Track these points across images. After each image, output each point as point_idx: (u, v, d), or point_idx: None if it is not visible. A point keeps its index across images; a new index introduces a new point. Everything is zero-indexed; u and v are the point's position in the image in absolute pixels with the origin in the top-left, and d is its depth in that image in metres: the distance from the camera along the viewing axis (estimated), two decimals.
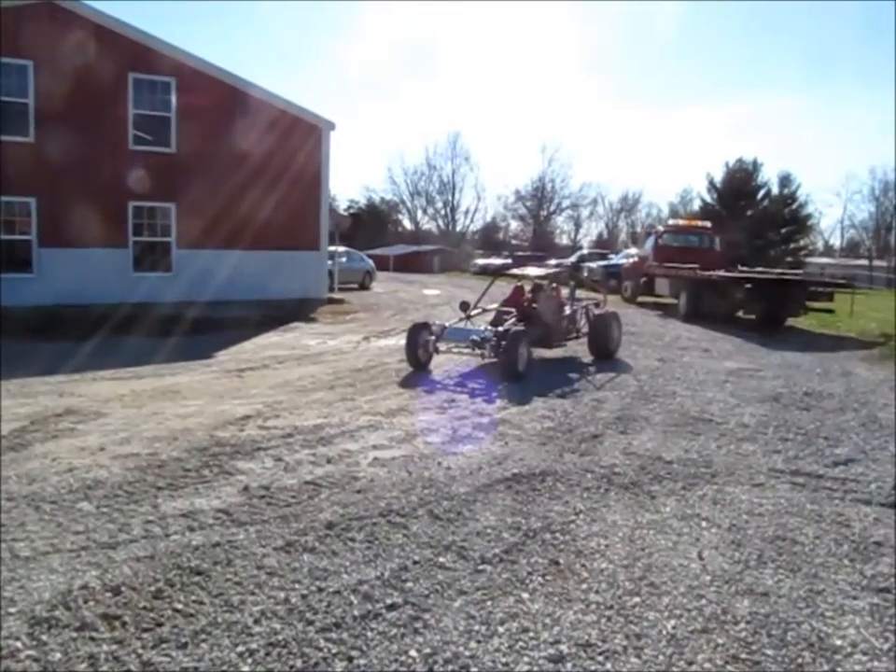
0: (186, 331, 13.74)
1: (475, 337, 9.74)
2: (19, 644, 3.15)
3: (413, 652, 3.18)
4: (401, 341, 11.27)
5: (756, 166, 53.74)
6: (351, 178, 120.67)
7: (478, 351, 9.81)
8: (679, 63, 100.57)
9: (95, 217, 17.09)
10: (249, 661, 3.08)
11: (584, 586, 3.85)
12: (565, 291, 12.49)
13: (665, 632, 3.42)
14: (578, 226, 77.41)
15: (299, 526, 4.49)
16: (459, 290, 26.76)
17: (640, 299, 22.85)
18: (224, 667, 3.03)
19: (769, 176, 55.06)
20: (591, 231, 78.93)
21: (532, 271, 13.78)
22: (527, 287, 12.07)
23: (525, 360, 9.66)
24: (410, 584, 3.78)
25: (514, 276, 13.07)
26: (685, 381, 9.76)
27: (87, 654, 3.09)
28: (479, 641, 3.29)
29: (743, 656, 3.24)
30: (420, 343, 9.95)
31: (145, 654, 3.10)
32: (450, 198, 74.53)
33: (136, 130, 17.92)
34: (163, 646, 3.17)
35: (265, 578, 3.81)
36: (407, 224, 76.68)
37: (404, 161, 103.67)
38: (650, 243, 23.52)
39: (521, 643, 3.28)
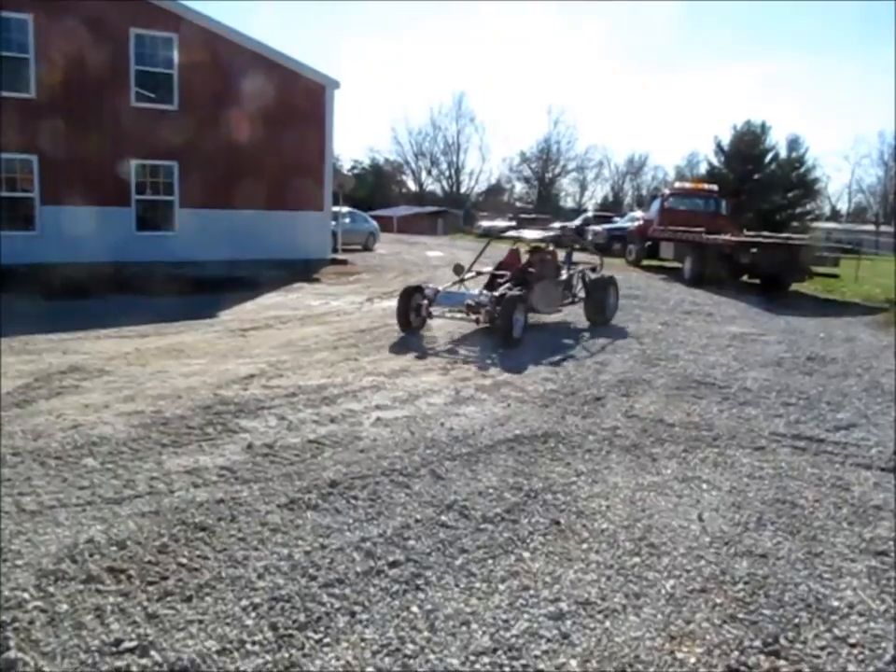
0: (189, 291, 13.73)
1: (470, 301, 9.39)
2: (26, 595, 3.20)
3: (414, 608, 3.22)
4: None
5: (764, 129, 52.99)
6: (355, 138, 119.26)
7: (472, 316, 9.43)
8: (687, 25, 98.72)
9: (98, 176, 16.99)
10: (253, 614, 3.12)
11: (585, 546, 3.89)
12: (561, 255, 11.97)
13: (664, 591, 3.46)
14: (583, 188, 76.91)
15: (302, 484, 4.52)
16: (463, 252, 26.64)
17: (645, 262, 22.72)
18: (228, 620, 3.07)
19: (777, 139, 54.46)
20: (596, 194, 78.47)
21: (529, 233, 12.87)
22: (523, 251, 11.64)
23: (522, 326, 9.31)
24: (412, 542, 3.82)
25: (511, 239, 12.19)
26: (688, 345, 9.75)
27: (93, 606, 3.14)
28: (480, 598, 3.33)
29: (741, 616, 3.28)
30: (412, 307, 9.65)
31: (150, 607, 3.15)
32: (454, 159, 73.83)
33: (138, 87, 17.70)
34: (168, 599, 3.21)
35: (269, 534, 3.85)
36: (411, 185, 76.12)
37: (408, 122, 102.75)
38: (655, 206, 23.32)
39: (521, 601, 3.32)
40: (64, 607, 3.13)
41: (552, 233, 12.40)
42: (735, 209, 31.23)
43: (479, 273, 11.15)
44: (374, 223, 30.00)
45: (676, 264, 20.13)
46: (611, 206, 64.57)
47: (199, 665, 2.79)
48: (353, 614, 3.16)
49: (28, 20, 16.18)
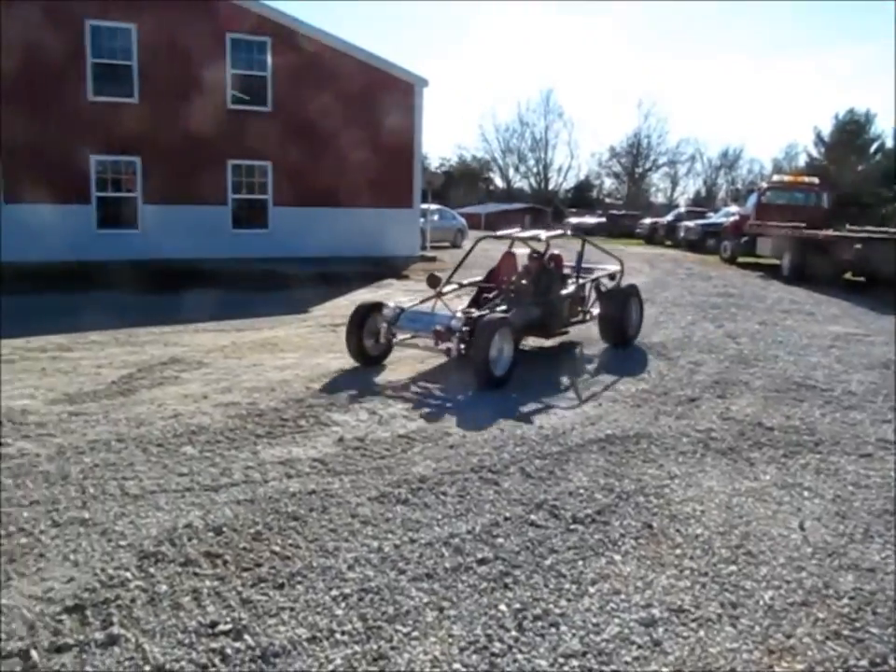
0: (282, 287, 14.11)
1: (438, 326, 7.06)
2: (128, 574, 3.34)
3: (502, 607, 3.19)
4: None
5: (869, 118, 50.57)
6: (443, 136, 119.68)
7: (442, 346, 7.14)
8: (785, 7, 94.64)
9: (196, 175, 17.65)
10: (343, 605, 3.16)
11: (678, 551, 3.77)
12: (569, 260, 9.49)
13: (762, 602, 3.31)
14: (674, 183, 74.64)
15: (392, 478, 4.56)
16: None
17: (740, 259, 21.96)
18: (318, 609, 3.12)
19: (883, 128, 51.75)
20: (688, 189, 76.05)
21: (527, 232, 10.03)
22: (521, 255, 9.26)
23: (508, 360, 6.93)
24: (501, 540, 3.80)
25: (503, 238, 9.61)
26: (788, 345, 9.35)
27: (191, 588, 3.25)
28: (569, 600, 3.27)
29: (846, 633, 3.11)
30: (368, 331, 7.51)
31: (244, 592, 3.23)
32: (542, 155, 72.95)
33: (234, 90, 18.30)
34: (261, 585, 3.29)
35: (359, 526, 3.90)
36: (499, 182, 75.80)
37: (496, 119, 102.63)
38: (751, 200, 22.58)
39: (612, 605, 3.25)
40: (164, 588, 3.25)
41: (556, 232, 9.94)
42: (838, 203, 29.85)
43: (461, 286, 9.06)
44: (462, 220, 30.14)
45: (774, 261, 19.40)
46: (704, 201, 62.63)
47: (290, 651, 2.84)
48: (441, 609, 3.16)
49: (132, 28, 17.00)
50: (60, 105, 16.49)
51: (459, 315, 7.34)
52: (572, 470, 4.81)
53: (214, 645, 2.86)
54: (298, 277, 15.10)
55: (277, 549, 3.62)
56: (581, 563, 3.60)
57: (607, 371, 7.81)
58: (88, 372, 7.13)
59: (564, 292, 8.57)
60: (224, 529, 3.80)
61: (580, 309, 9.01)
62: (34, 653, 2.76)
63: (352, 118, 19.01)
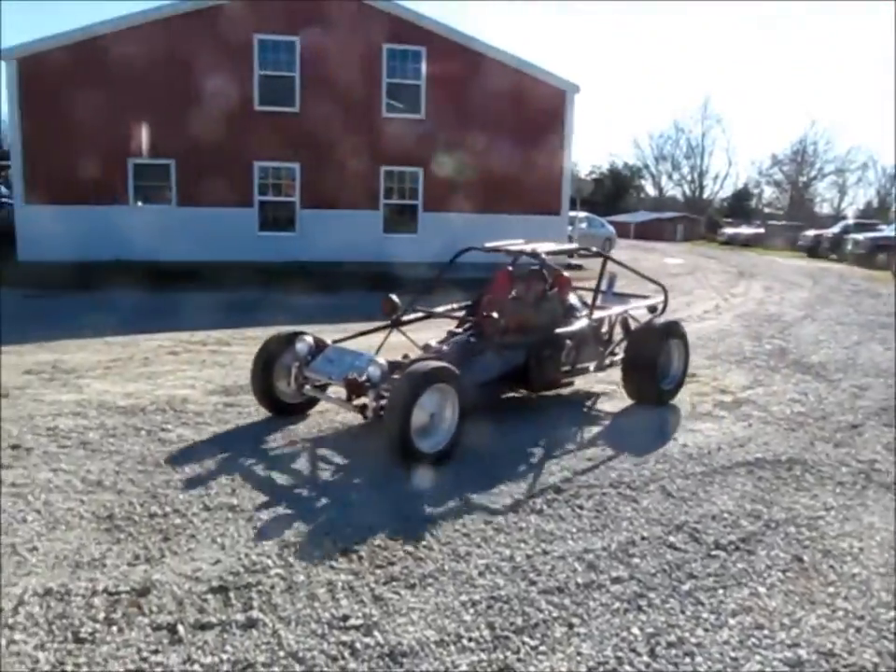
0: (432, 290, 14.36)
1: (353, 374, 5.00)
2: (269, 562, 3.48)
3: (635, 630, 3.07)
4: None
5: None
6: (595, 142, 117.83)
7: (356, 401, 5.05)
8: None
9: (349, 181, 18.34)
10: (471, 611, 3.15)
11: (831, 589, 3.49)
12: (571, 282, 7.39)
13: None
14: (842, 193, 69.63)
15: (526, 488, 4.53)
16: (704, 260, 25.49)
17: None
18: (447, 613, 3.13)
19: None
20: (858, 200, 70.78)
21: (525, 246, 7.30)
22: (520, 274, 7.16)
23: (449, 431, 4.86)
24: (637, 560, 3.66)
25: (491, 251, 7.59)
26: None
27: (326, 581, 3.35)
28: (707, 630, 3.10)
29: None
30: (281, 371, 5.65)
31: (377, 589, 3.29)
32: (698, 162, 70.25)
33: (389, 98, 18.88)
34: (394, 584, 3.35)
35: (492, 533, 3.88)
36: (650, 190, 73.68)
37: (650, 125, 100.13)
38: None
39: (753, 640, 3.05)
40: (301, 578, 3.37)
41: (563, 247, 7.10)
42: None
43: (431, 315, 7.15)
44: (611, 228, 29.63)
45: None
46: (876, 213, 58.09)
47: (417, 653, 2.86)
48: (570, 626, 3.08)
49: (295, 41, 17.96)
50: (230, 115, 17.61)
51: (380, 359, 5.12)
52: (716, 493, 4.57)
53: (344, 638, 2.93)
54: (445, 282, 15.31)
55: (410, 549, 3.67)
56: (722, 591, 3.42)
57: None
58: (243, 366, 7.53)
59: (567, 329, 6.18)
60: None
61: (595, 351, 6.63)
62: (180, 628, 2.94)
63: (502, 123, 19.13)
